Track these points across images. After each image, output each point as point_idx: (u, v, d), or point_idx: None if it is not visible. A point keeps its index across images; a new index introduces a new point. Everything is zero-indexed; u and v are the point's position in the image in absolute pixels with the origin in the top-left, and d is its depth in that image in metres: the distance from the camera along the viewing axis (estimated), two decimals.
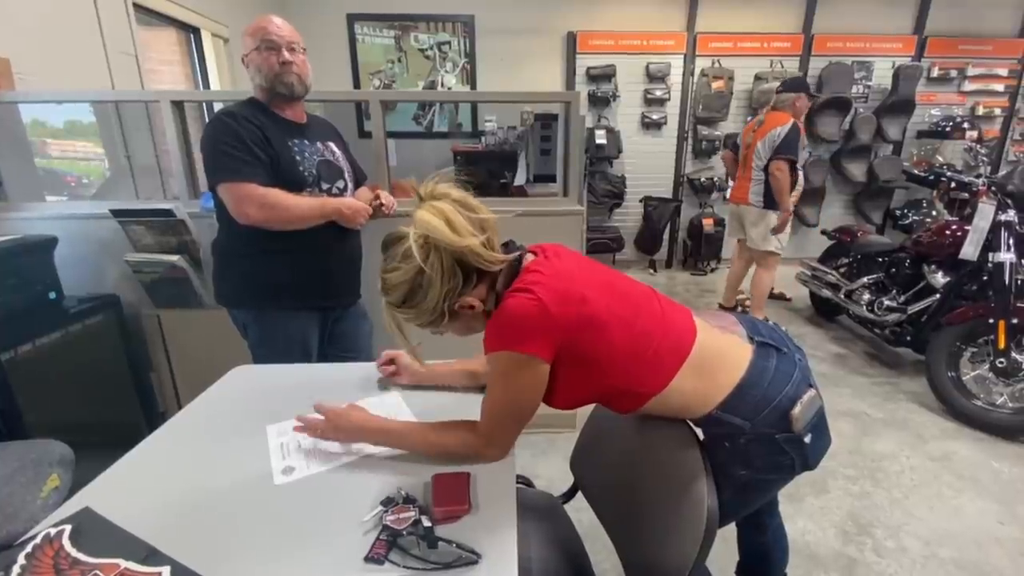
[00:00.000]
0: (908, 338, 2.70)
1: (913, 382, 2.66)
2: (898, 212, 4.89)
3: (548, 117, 2.87)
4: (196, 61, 3.35)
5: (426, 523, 0.72)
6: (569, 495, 1.21)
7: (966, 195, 2.71)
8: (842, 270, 3.33)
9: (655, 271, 4.87)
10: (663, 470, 0.92)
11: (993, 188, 2.35)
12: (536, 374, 0.81)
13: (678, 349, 0.85)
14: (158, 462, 0.93)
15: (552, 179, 2.87)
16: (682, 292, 4.32)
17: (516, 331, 0.78)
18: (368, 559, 0.68)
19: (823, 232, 3.71)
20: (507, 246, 0.89)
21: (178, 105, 1.86)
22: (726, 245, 4.62)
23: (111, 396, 1.87)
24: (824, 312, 3.64)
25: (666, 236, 4.88)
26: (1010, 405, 2.22)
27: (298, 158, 1.41)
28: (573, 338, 0.80)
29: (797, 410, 0.84)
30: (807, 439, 0.85)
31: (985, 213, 2.31)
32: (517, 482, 1.25)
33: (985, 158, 2.80)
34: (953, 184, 2.64)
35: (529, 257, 0.88)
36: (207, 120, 1.39)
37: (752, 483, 0.90)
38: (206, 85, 3.39)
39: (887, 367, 2.88)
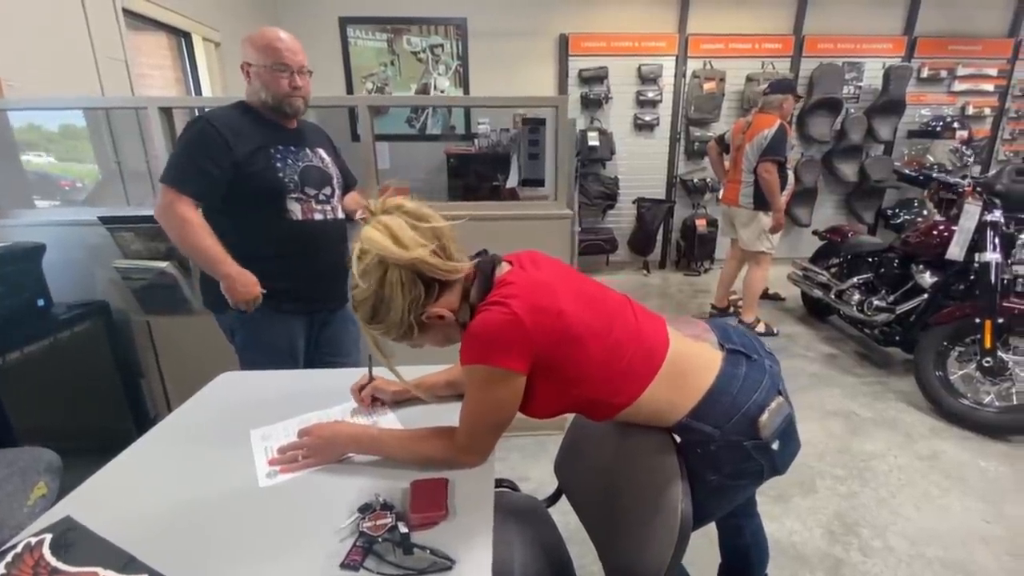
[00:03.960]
0: (897, 338, 2.72)
1: (902, 381, 2.68)
2: (890, 212, 4.90)
3: (536, 121, 2.89)
4: (187, 65, 3.35)
5: (403, 529, 0.73)
6: (554, 498, 1.22)
7: (954, 195, 2.73)
8: (833, 270, 3.35)
9: (649, 272, 4.89)
10: (641, 475, 0.93)
11: (979, 189, 2.37)
12: (512, 387, 0.82)
13: (651, 359, 0.86)
14: (142, 469, 0.94)
15: (540, 183, 2.88)
16: (676, 293, 4.34)
17: (491, 345, 0.78)
18: (344, 566, 0.69)
19: (814, 232, 3.73)
20: (480, 255, 0.90)
21: (166, 111, 1.87)
22: (719, 245, 4.64)
23: (101, 402, 1.88)
24: (816, 312, 3.66)
25: (660, 237, 4.90)
26: (996, 404, 2.24)
27: (279, 164, 1.42)
28: (548, 351, 0.80)
29: (764, 417, 0.85)
30: (775, 446, 0.86)
31: (971, 213, 2.33)
32: (503, 485, 1.27)
33: (971, 159, 2.82)
34: (940, 184, 2.66)
35: (504, 267, 0.88)
36: (196, 116, 1.42)
37: (722, 488, 0.91)
38: (197, 89, 3.39)
39: (877, 367, 2.90)
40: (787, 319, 3.68)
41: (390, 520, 0.74)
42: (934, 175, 2.70)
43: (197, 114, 1.46)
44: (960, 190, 2.48)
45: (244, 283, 1.39)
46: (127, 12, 2.62)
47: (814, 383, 2.71)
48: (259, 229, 1.44)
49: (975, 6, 4.63)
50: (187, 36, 3.27)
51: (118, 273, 1.78)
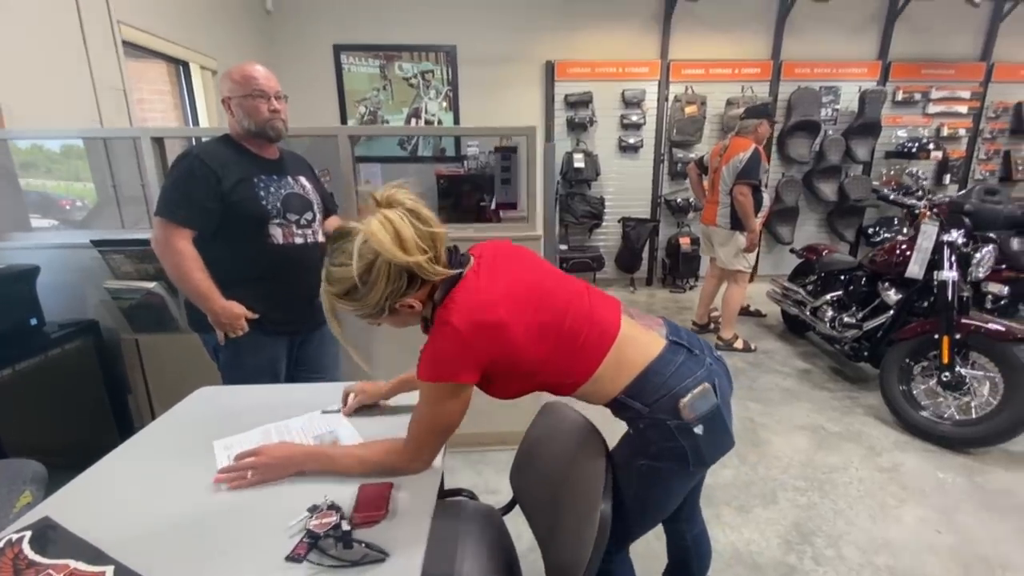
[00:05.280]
0: (865, 353, 2.80)
1: (872, 396, 2.75)
2: (870, 230, 5.03)
3: (508, 149, 3.05)
4: (185, 92, 3.50)
5: (345, 527, 0.81)
6: (509, 507, 1.30)
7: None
8: (808, 288, 3.45)
9: (635, 289, 4.99)
10: (578, 482, 1.01)
11: (934, 209, 2.48)
12: (461, 397, 0.91)
13: (602, 340, 0.94)
14: (116, 476, 1.02)
15: (514, 206, 3.02)
16: (661, 309, 4.43)
17: (441, 365, 0.87)
18: (289, 558, 0.77)
19: (791, 251, 3.84)
20: (451, 253, 0.94)
21: (158, 141, 1.99)
22: (703, 263, 4.74)
23: (89, 418, 1.96)
24: (794, 328, 3.74)
25: (645, 255, 5.01)
26: (956, 417, 2.31)
27: (262, 193, 1.52)
28: (496, 358, 0.89)
29: (686, 399, 0.92)
30: (697, 430, 0.92)
31: (928, 233, 2.43)
32: (462, 494, 1.35)
33: (926, 181, 2.94)
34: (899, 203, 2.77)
35: (469, 264, 0.93)
36: (184, 151, 1.51)
37: (653, 472, 0.96)
38: (194, 114, 3.54)
39: (849, 382, 2.97)
40: (767, 335, 3.76)
41: (335, 519, 0.82)
42: (891, 196, 2.81)
43: (189, 145, 1.56)
44: (916, 212, 2.59)
45: (229, 317, 1.50)
46: (127, 43, 2.77)
47: (786, 398, 2.79)
48: (243, 253, 1.53)
49: (947, 31, 4.82)
50: (185, 64, 3.43)
51: (108, 293, 1.87)
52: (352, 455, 0.99)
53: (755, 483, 2.06)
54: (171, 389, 2.06)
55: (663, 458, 0.95)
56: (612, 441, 1.04)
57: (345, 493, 0.91)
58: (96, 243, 1.83)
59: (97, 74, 2.51)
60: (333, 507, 0.86)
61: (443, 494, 1.38)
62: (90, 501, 0.94)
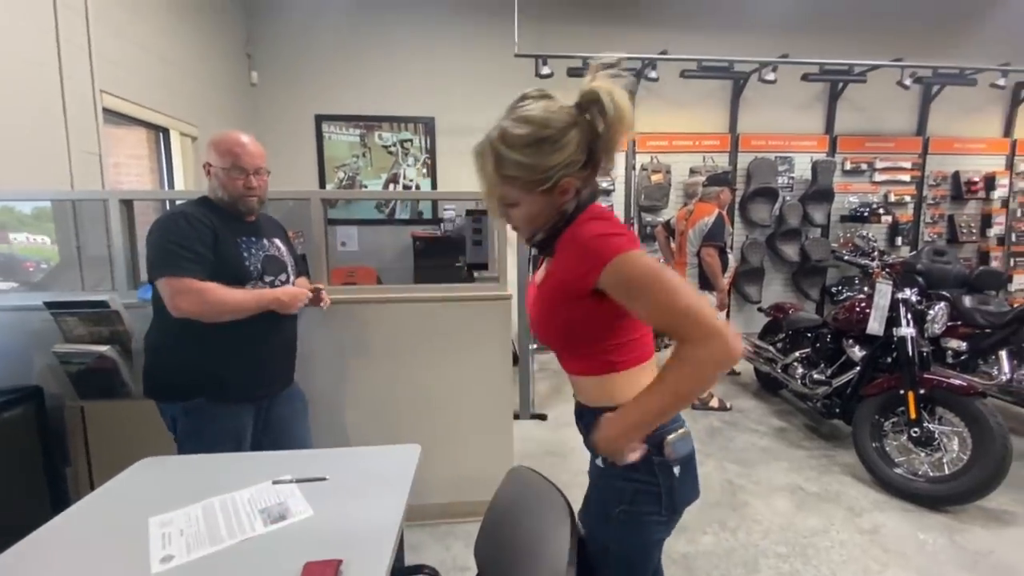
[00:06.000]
0: (837, 410, 2.82)
1: (848, 454, 2.73)
2: (833, 289, 5.22)
3: (479, 212, 3.16)
4: (163, 157, 3.55)
5: None
6: None
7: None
8: (779, 345, 3.51)
9: None
10: (542, 554, 0.96)
11: (887, 269, 2.60)
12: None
13: (646, 351, 0.96)
14: (38, 557, 0.92)
15: (484, 267, 3.08)
16: None
17: (613, 240, 0.83)
18: None
19: (759, 309, 3.94)
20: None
21: (127, 203, 1.98)
22: None
23: (23, 492, 1.79)
24: (768, 386, 3.76)
25: None
26: (931, 474, 2.30)
27: (245, 254, 1.51)
28: None
29: (671, 437, 0.92)
30: (675, 470, 0.92)
31: (883, 292, 2.53)
32: (424, 571, 1.26)
33: (875, 243, 3.12)
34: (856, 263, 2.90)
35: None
36: (164, 214, 1.47)
37: (629, 519, 0.93)
38: (170, 179, 3.57)
39: (824, 439, 2.96)
40: (742, 394, 3.77)
41: None
42: (846, 257, 2.95)
43: (164, 209, 1.53)
44: (869, 272, 2.71)
45: (292, 296, 1.53)
46: (107, 111, 2.83)
47: (764, 458, 2.75)
48: None
49: (885, 109, 5.28)
50: (165, 131, 3.50)
51: (56, 358, 1.78)
52: (660, 390, 0.82)
53: (736, 550, 1.98)
54: (116, 461, 1.91)
55: (638, 502, 0.93)
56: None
57: (290, 570, 0.84)
58: (49, 305, 1.76)
59: (74, 138, 2.54)
60: None
61: (403, 572, 1.29)
62: None
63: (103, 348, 1.76)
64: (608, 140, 0.87)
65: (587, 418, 0.99)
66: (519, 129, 0.85)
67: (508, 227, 1.03)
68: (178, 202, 1.59)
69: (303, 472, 1.20)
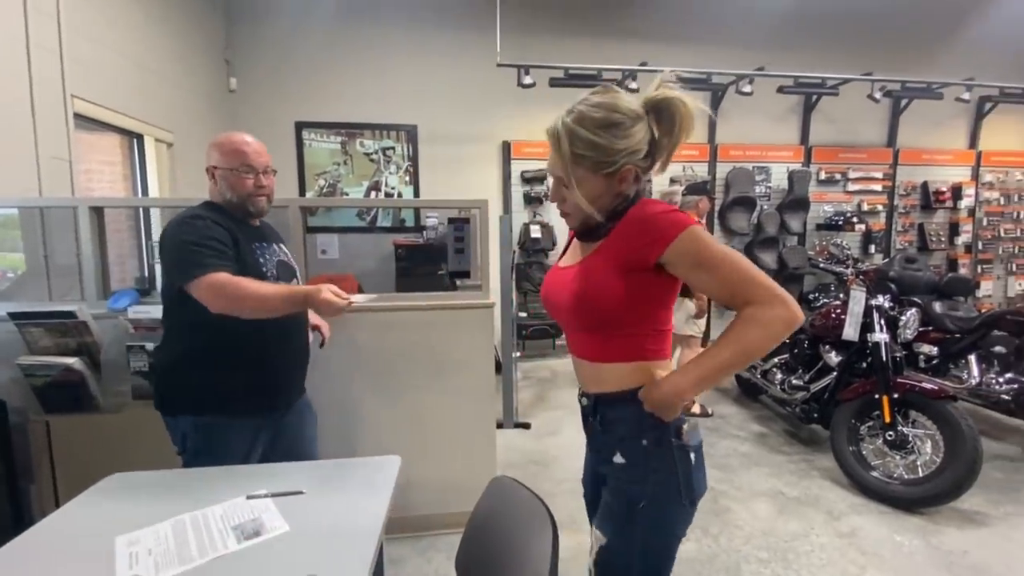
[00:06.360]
0: (816, 415, 2.86)
1: (826, 458, 2.77)
2: (810, 296, 5.32)
3: (461, 220, 3.17)
4: (137, 163, 3.47)
5: None
6: None
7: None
8: None
9: None
10: (524, 564, 0.94)
11: (860, 276, 2.66)
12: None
13: (666, 347, 1.00)
14: None
15: (466, 275, 3.08)
16: None
17: (673, 216, 0.88)
18: None
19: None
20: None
21: (97, 210, 1.93)
22: None
23: None
24: (748, 392, 3.81)
25: None
26: (906, 477, 2.35)
27: (261, 259, 1.46)
28: None
29: (687, 425, 0.97)
30: (692, 457, 0.96)
31: (857, 298, 2.59)
32: None
33: (848, 251, 3.20)
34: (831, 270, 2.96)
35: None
36: (174, 219, 1.37)
37: (655, 512, 0.95)
38: (144, 186, 3.48)
39: (804, 444, 3.00)
40: (723, 400, 3.81)
41: None
42: (821, 264, 3.02)
43: (173, 215, 1.43)
44: (845, 278, 2.78)
45: (334, 295, 1.32)
46: (79, 116, 2.75)
47: (744, 463, 2.77)
48: (229, 321, 1.32)
49: (857, 122, 5.44)
50: (139, 137, 3.42)
51: (20, 371, 1.72)
52: (730, 350, 0.86)
53: (718, 556, 1.99)
54: (82, 477, 1.84)
55: (659, 494, 0.95)
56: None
57: None
58: (14, 315, 1.70)
59: (43, 144, 2.47)
60: None
61: None
62: None
63: (70, 360, 1.70)
64: (672, 143, 0.94)
65: (603, 412, 1.00)
66: (595, 112, 0.91)
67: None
68: (152, 209, 1.54)
69: (279, 486, 1.17)
